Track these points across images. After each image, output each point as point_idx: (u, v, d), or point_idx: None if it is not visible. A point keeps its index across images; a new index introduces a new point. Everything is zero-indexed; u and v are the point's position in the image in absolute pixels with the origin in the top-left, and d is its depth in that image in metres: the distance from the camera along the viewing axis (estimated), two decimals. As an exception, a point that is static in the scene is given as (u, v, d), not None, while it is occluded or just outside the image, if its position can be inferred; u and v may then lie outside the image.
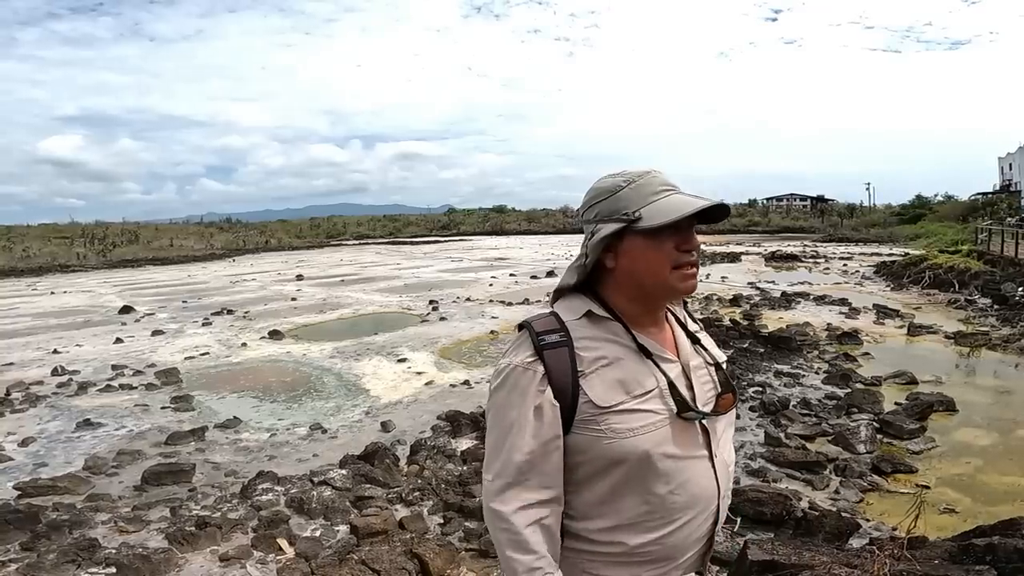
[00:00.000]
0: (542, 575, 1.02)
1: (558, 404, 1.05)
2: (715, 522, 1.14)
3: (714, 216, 1.09)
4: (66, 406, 6.93)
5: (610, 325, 1.12)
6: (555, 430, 1.06)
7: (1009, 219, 25.39)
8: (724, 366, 1.21)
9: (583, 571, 1.11)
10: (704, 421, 1.10)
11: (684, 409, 1.07)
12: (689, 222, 1.07)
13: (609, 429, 1.04)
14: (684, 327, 1.22)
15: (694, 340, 1.20)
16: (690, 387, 1.12)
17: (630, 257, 1.10)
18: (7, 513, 4.00)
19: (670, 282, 1.09)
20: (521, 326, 1.15)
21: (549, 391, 1.05)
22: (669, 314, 1.21)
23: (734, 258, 23.98)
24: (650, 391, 1.07)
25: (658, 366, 1.09)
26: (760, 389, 6.57)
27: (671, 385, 1.08)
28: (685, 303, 1.29)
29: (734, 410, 1.21)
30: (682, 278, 1.09)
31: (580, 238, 1.19)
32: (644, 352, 1.10)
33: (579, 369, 1.06)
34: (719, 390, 1.16)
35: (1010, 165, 45.14)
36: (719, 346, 1.27)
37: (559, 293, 1.19)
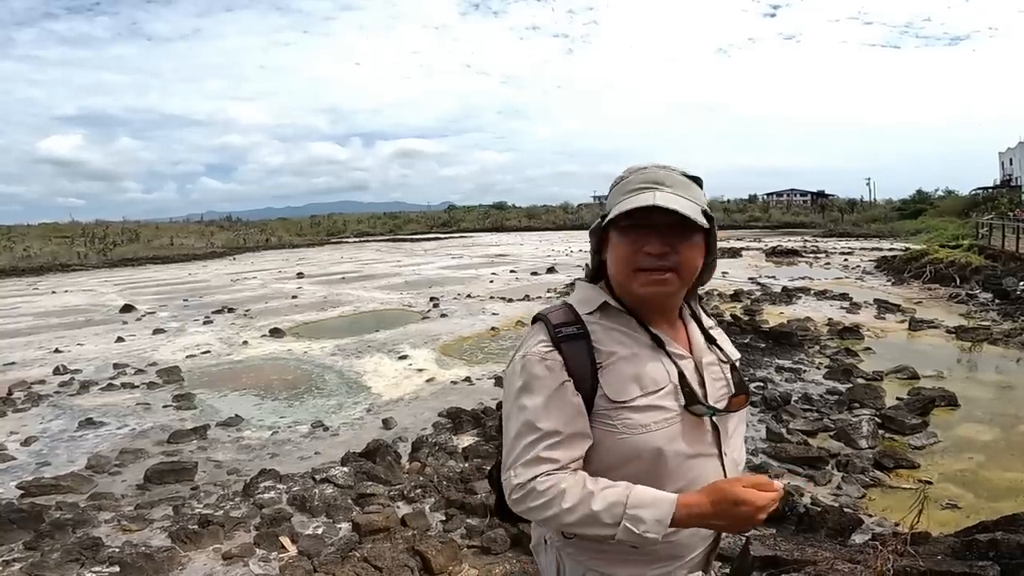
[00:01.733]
0: (621, 495, 0.98)
1: (580, 394, 1.04)
2: None
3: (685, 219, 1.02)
4: (68, 405, 6.94)
5: (624, 318, 1.11)
6: (580, 412, 1.04)
7: (1011, 213, 25.33)
8: (738, 365, 1.19)
9: (588, 568, 1.11)
10: (714, 419, 1.09)
11: (692, 402, 1.06)
12: (664, 223, 1.02)
13: (623, 424, 1.04)
14: (700, 324, 1.20)
15: (709, 338, 1.18)
16: (702, 384, 1.11)
17: (609, 254, 1.10)
18: (10, 512, 4.00)
19: (631, 284, 1.07)
20: (536, 319, 1.14)
21: (572, 383, 1.04)
22: (686, 310, 1.19)
23: (735, 253, 23.95)
24: (663, 387, 1.06)
25: (673, 361, 1.08)
26: (761, 384, 6.57)
27: (681, 378, 1.07)
28: (701, 299, 1.26)
29: (746, 410, 1.20)
30: (642, 282, 1.05)
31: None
32: (659, 347, 1.09)
33: (597, 362, 1.06)
34: (732, 390, 1.14)
35: (1011, 160, 45.05)
36: None
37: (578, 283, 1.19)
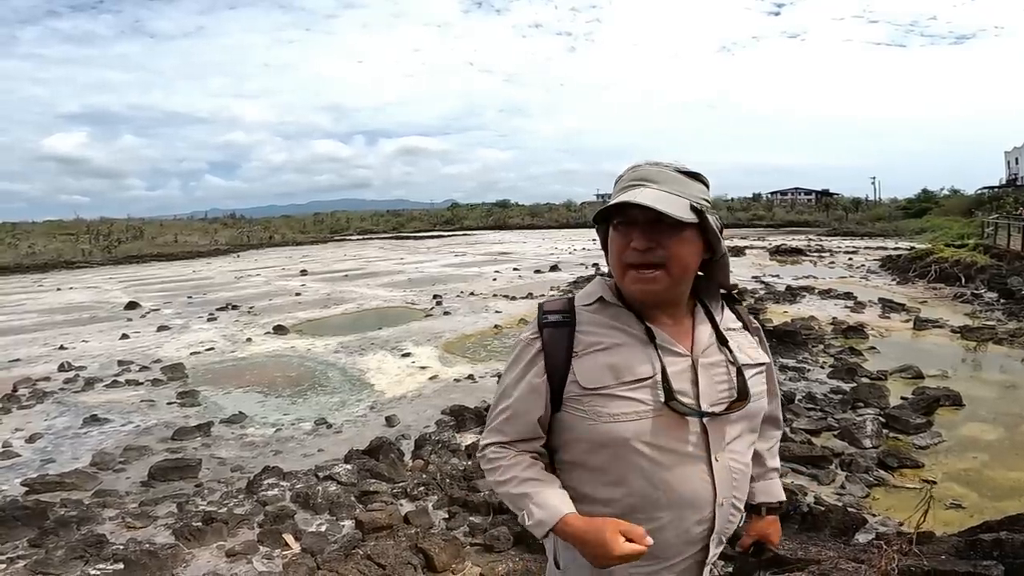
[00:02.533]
0: (533, 490, 1.09)
1: (546, 376, 1.09)
2: (711, 529, 1.10)
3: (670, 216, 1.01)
4: (73, 402, 6.96)
5: (618, 312, 1.11)
6: (534, 391, 1.11)
7: (1017, 212, 25.19)
8: (747, 371, 1.13)
9: (576, 556, 1.10)
10: (706, 421, 1.06)
11: (670, 398, 1.03)
12: (644, 220, 1.03)
13: (592, 411, 1.05)
14: (715, 324, 1.16)
15: (722, 340, 1.14)
16: (695, 383, 1.08)
17: (609, 249, 1.13)
18: (15, 509, 4.02)
19: (623, 281, 1.09)
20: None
21: (541, 365, 1.10)
22: (701, 309, 1.17)
23: (738, 252, 23.87)
24: (643, 380, 1.05)
25: (660, 356, 1.06)
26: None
27: (664, 374, 1.05)
28: (734, 299, 1.23)
29: (757, 418, 1.16)
30: (631, 279, 1.07)
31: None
32: (651, 341, 1.08)
33: (575, 350, 1.09)
34: (735, 395, 1.10)
35: (1016, 159, 44.85)
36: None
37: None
